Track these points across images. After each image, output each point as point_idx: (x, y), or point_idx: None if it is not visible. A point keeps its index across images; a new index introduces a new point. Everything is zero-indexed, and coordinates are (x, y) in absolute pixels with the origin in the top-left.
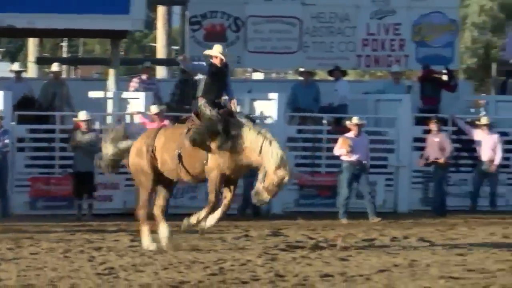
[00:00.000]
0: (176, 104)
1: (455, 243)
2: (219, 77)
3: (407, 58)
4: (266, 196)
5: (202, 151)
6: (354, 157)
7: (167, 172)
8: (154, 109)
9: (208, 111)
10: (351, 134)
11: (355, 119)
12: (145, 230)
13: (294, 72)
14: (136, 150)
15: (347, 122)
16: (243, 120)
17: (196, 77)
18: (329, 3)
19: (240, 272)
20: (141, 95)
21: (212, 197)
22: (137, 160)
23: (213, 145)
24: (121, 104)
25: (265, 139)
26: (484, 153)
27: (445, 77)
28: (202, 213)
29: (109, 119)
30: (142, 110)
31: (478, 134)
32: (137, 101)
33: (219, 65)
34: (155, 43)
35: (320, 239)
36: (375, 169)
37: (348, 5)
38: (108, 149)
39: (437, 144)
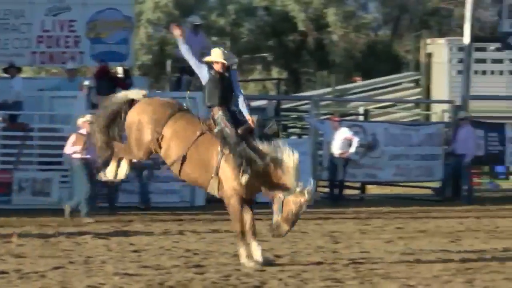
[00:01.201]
0: None
1: (130, 240)
2: (224, 83)
3: (82, 55)
4: (285, 228)
5: (210, 166)
6: (87, 155)
7: (167, 162)
8: None
9: (227, 129)
10: (83, 132)
11: (88, 117)
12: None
13: None
14: (137, 122)
15: (79, 119)
16: (263, 143)
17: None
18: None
19: None
20: None
21: (237, 227)
22: (134, 129)
23: (230, 168)
24: None
25: (287, 162)
26: None
27: (120, 74)
28: (242, 251)
29: None
30: None
31: None
32: None
33: (221, 70)
34: None
35: None
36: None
37: (23, 1)
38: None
39: None
